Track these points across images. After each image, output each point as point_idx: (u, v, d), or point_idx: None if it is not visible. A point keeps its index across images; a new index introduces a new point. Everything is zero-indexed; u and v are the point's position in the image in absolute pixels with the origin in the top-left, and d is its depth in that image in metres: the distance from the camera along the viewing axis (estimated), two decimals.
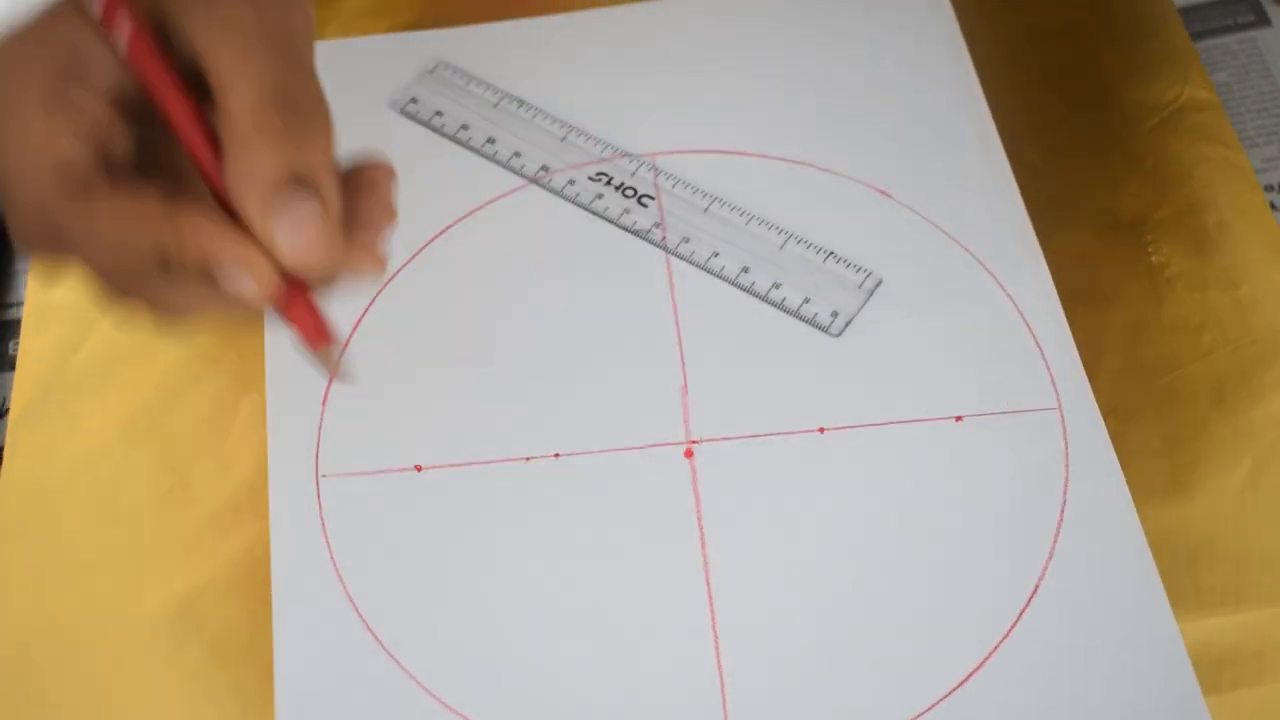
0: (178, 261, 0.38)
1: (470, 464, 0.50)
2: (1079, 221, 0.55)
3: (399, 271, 0.55)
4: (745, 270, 0.54)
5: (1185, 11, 0.65)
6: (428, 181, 0.57)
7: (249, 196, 0.38)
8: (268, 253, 0.38)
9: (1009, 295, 0.53)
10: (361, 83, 0.60)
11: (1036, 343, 0.52)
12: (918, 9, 0.62)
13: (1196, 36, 0.65)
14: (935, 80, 0.59)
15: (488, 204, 0.57)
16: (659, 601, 0.47)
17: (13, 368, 0.56)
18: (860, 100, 0.59)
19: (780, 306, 0.53)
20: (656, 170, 0.57)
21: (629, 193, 0.56)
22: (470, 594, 0.48)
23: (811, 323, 0.53)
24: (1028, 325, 0.53)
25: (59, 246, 0.39)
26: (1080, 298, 0.53)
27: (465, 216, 0.57)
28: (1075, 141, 0.59)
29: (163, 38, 0.39)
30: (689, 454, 0.50)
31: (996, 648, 0.46)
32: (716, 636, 0.47)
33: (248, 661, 0.47)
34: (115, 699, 0.47)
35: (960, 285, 0.54)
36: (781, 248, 0.54)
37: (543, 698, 0.46)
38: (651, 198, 0.55)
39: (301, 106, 0.38)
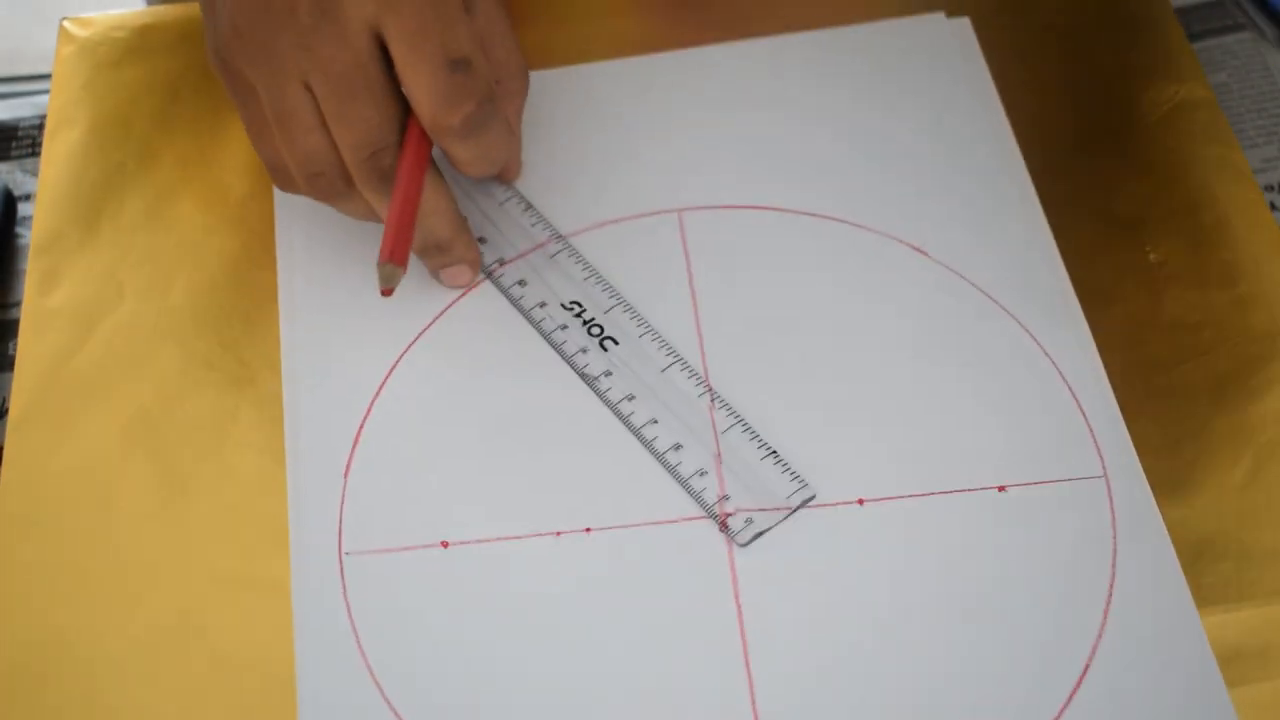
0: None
1: (499, 539, 0.49)
2: (1077, 220, 0.55)
3: (421, 335, 0.54)
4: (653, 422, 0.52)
5: (1186, 11, 0.65)
6: None
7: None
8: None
9: (1050, 358, 0.52)
10: None
11: (1080, 408, 0.51)
12: (950, 61, 0.60)
13: (1196, 36, 0.65)
14: (970, 135, 0.58)
15: (513, 261, 0.56)
16: (695, 683, 0.46)
17: (13, 367, 0.55)
18: (893, 155, 0.58)
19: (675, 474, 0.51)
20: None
21: (595, 330, 0.54)
22: (498, 674, 0.46)
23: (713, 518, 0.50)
24: (1070, 389, 0.52)
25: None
26: (1079, 296, 0.54)
27: (488, 278, 0.56)
28: (1074, 140, 0.59)
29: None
30: (724, 526, 0.49)
31: None
32: (756, 715, 0.46)
33: (247, 667, 0.47)
34: (114, 704, 0.47)
35: (1000, 347, 0.53)
36: (723, 433, 0.51)
37: None
38: (615, 342, 0.53)
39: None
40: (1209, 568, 0.48)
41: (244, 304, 0.55)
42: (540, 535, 0.49)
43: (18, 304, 0.59)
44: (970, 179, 0.57)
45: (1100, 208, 0.56)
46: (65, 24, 0.64)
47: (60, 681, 0.47)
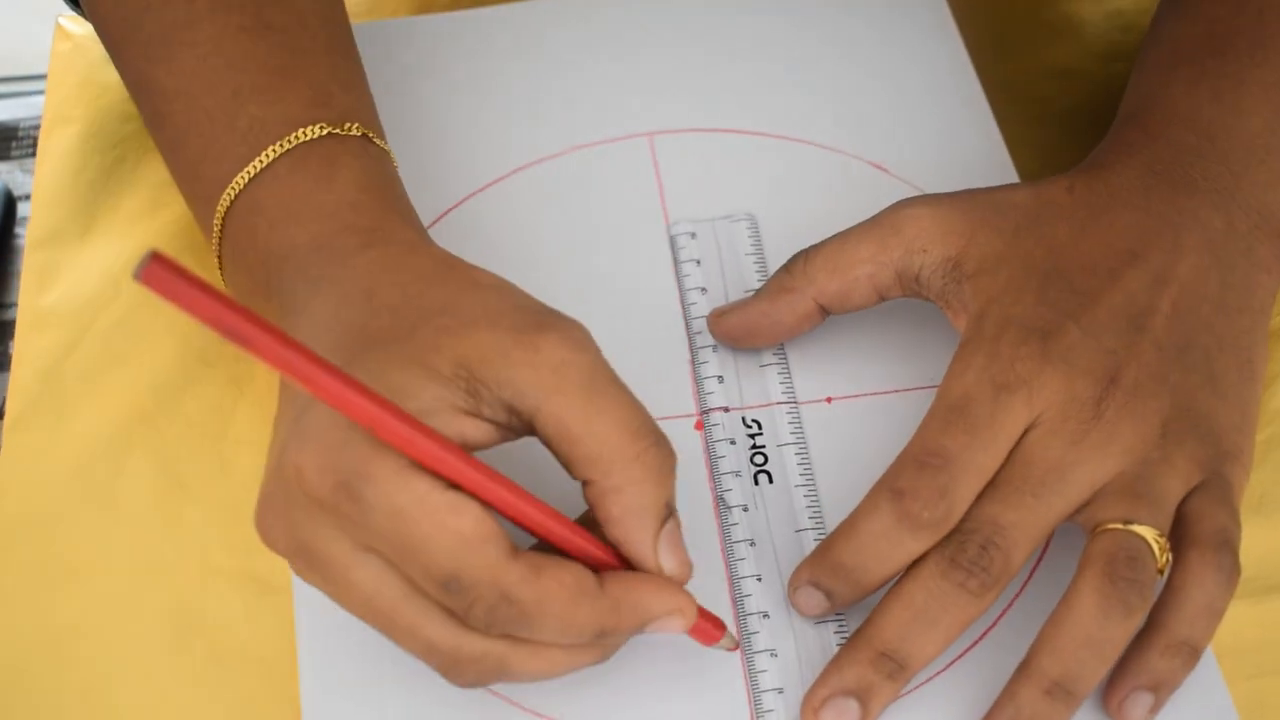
0: (611, 633, 0.40)
1: None
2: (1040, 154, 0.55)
3: None
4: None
5: None
6: (415, 171, 0.56)
7: (639, 529, 0.41)
8: (685, 591, 0.41)
9: None
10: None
11: None
12: None
13: None
14: (925, 53, 0.61)
15: (486, 188, 0.57)
16: None
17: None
18: (852, 76, 0.60)
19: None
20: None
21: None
22: None
23: None
24: None
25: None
26: None
27: (463, 200, 0.56)
28: (1028, 49, 0.61)
29: (474, 395, 0.40)
30: (699, 426, 0.50)
31: (1004, 612, 0.47)
32: (734, 606, 0.47)
33: (246, 661, 0.47)
34: (113, 700, 0.47)
35: None
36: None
37: None
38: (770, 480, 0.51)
39: (660, 438, 0.41)
40: None
41: None
42: None
43: (17, 304, 0.58)
44: (926, 96, 0.59)
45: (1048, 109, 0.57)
46: (61, 21, 0.64)
47: (60, 679, 0.47)
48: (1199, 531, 0.44)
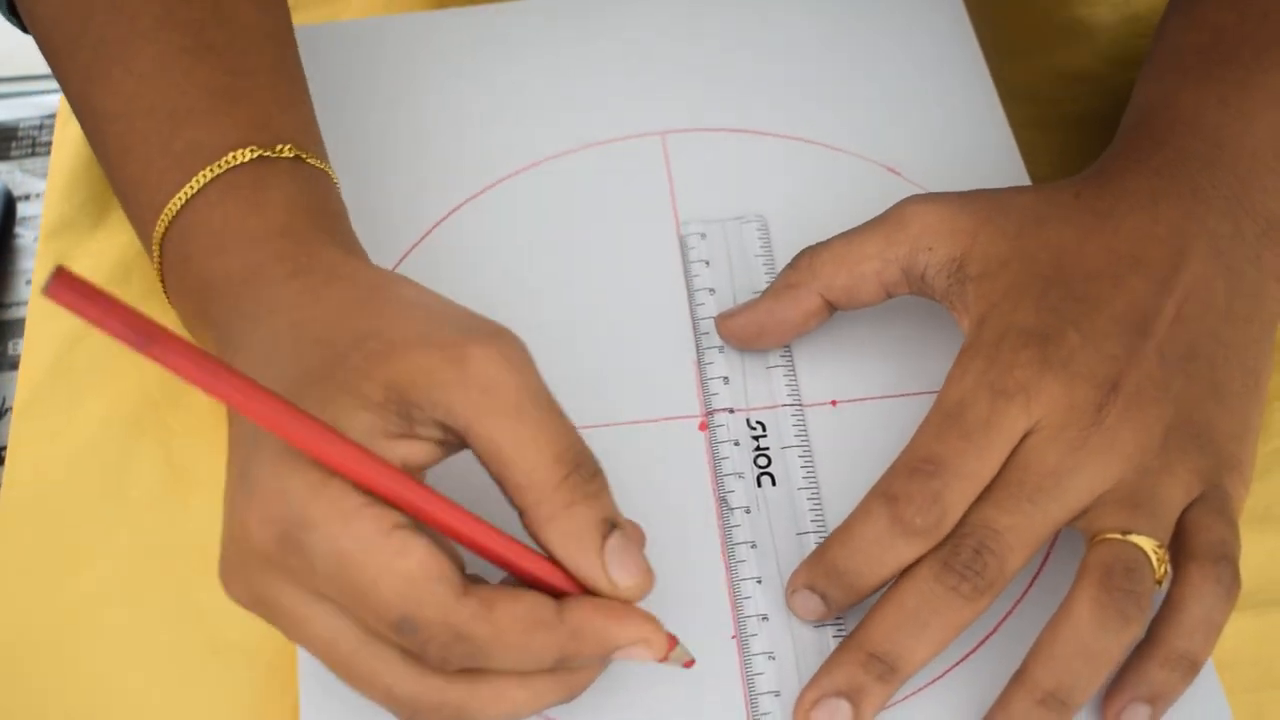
0: (573, 660, 0.40)
1: None
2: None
3: (405, 257, 0.55)
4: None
5: None
6: (429, 166, 0.57)
7: (580, 552, 0.40)
8: (653, 618, 0.41)
9: None
10: (368, 65, 0.61)
11: None
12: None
13: None
14: (940, 55, 0.61)
15: (497, 185, 0.57)
16: (677, 577, 0.47)
17: (13, 367, 0.56)
18: (867, 78, 0.60)
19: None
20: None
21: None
22: None
23: None
24: None
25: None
26: None
27: (476, 196, 0.57)
28: (1042, 52, 0.61)
29: (407, 417, 0.40)
30: (703, 427, 0.50)
31: (1009, 614, 0.47)
32: (733, 604, 0.47)
33: (248, 653, 0.47)
34: (117, 691, 0.47)
35: None
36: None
37: None
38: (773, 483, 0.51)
39: (584, 458, 0.40)
40: None
41: None
42: None
43: (17, 304, 0.59)
44: (940, 100, 0.59)
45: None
46: None
47: (63, 671, 0.47)
48: (1199, 544, 0.44)
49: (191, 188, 0.46)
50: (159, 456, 0.51)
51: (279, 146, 0.47)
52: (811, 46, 0.61)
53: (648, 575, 0.41)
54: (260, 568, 0.39)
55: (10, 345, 0.59)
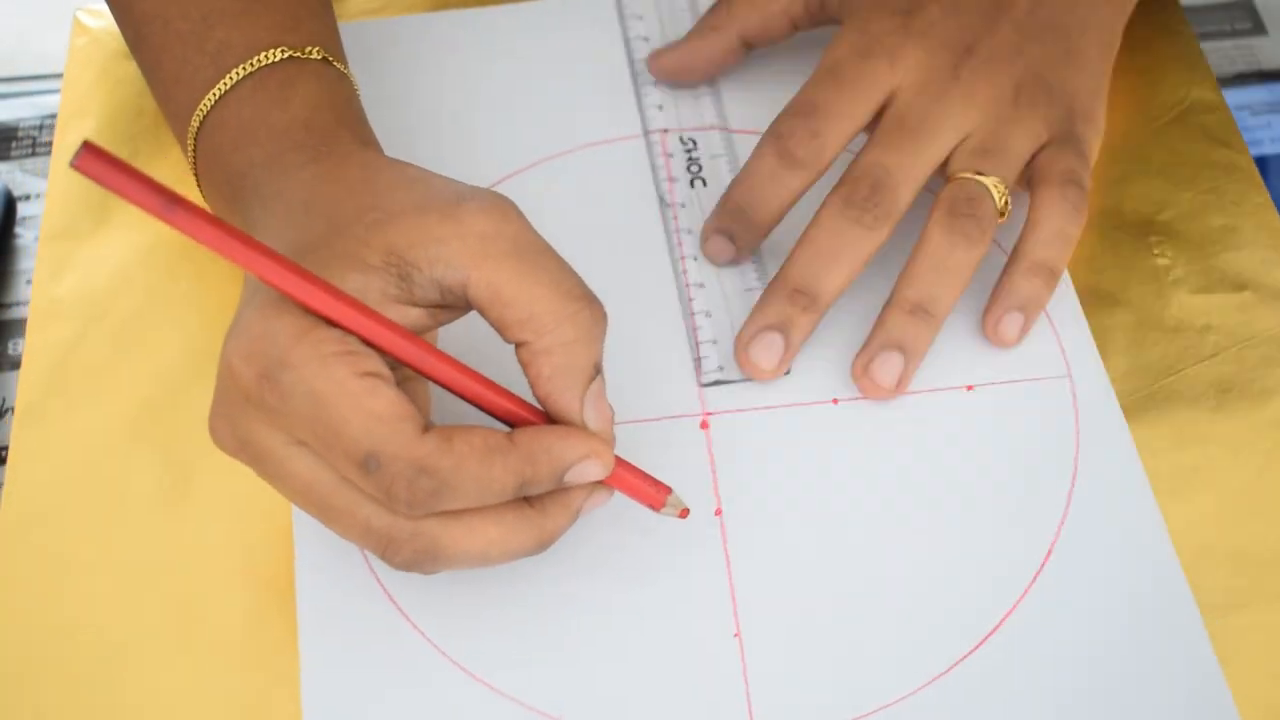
0: (531, 484, 0.41)
1: None
2: (1085, 222, 0.54)
3: None
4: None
5: (1195, 11, 0.66)
6: (426, 167, 0.56)
7: (567, 388, 0.42)
8: (600, 437, 0.43)
9: None
10: (365, 66, 0.60)
11: (1046, 312, 0.53)
12: None
13: (1206, 37, 0.66)
14: None
15: (490, 187, 0.56)
16: (676, 573, 0.48)
17: (14, 367, 0.56)
18: None
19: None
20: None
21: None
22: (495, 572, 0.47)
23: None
24: None
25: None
26: (1085, 298, 0.54)
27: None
28: None
29: (405, 279, 0.42)
30: (704, 425, 0.51)
31: (1010, 612, 0.47)
32: (735, 603, 0.47)
33: (251, 658, 0.47)
34: (118, 696, 0.47)
35: None
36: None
37: (553, 646, 0.47)
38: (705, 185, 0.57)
39: (591, 299, 0.43)
40: (1210, 571, 0.48)
41: None
42: None
43: (18, 304, 0.59)
44: None
45: (1107, 209, 0.57)
46: (79, 15, 0.64)
47: (65, 673, 0.47)
48: (1049, 173, 0.51)
49: (225, 84, 0.49)
50: (159, 461, 0.51)
51: (308, 49, 0.50)
52: (811, 44, 0.60)
53: (609, 417, 0.43)
54: (244, 409, 0.41)
55: (10, 345, 0.59)
